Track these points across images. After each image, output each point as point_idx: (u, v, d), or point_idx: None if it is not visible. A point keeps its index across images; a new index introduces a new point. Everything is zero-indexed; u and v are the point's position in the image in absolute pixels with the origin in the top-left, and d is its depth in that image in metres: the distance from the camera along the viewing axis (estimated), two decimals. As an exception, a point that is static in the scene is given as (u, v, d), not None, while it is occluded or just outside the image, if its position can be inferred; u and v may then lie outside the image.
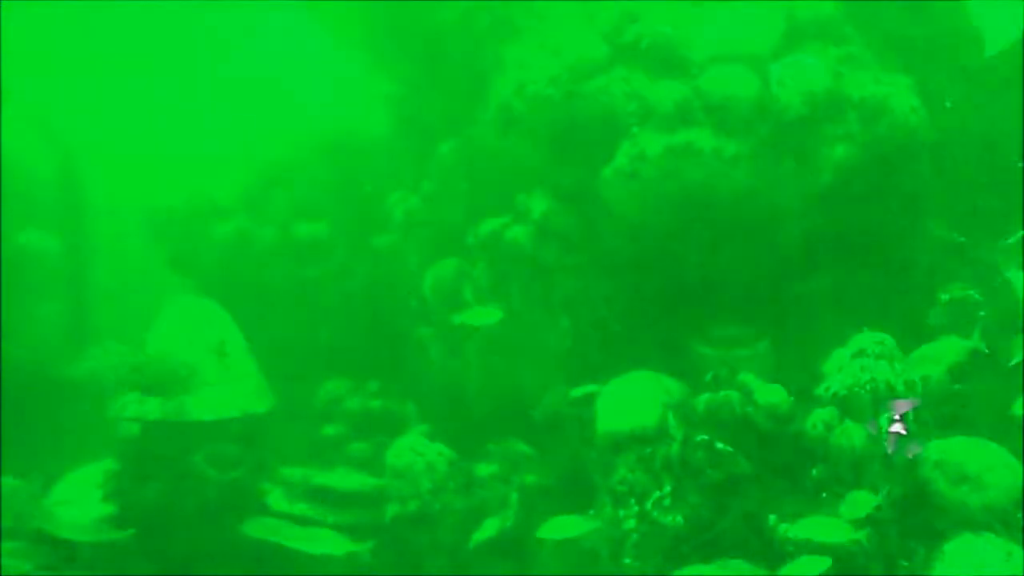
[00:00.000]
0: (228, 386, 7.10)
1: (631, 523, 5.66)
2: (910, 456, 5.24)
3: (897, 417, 5.29)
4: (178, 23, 16.63)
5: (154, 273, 9.53)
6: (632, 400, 5.92)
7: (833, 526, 4.96)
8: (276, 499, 6.95)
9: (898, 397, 5.48)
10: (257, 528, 6.39)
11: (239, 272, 8.91)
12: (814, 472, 5.41)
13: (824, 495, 5.33)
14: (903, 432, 5.23)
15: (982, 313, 6.13)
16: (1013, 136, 6.75)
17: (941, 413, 5.54)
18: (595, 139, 6.74)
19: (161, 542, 6.31)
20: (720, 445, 5.59)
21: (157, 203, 9.64)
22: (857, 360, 5.71)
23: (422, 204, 8.56)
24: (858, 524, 4.99)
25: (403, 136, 9.05)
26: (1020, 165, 6.31)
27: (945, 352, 5.23)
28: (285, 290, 8.86)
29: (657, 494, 5.66)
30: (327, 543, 6.32)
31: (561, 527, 5.72)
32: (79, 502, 6.68)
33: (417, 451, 6.83)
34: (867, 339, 5.76)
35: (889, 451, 5.26)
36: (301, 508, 6.86)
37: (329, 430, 7.70)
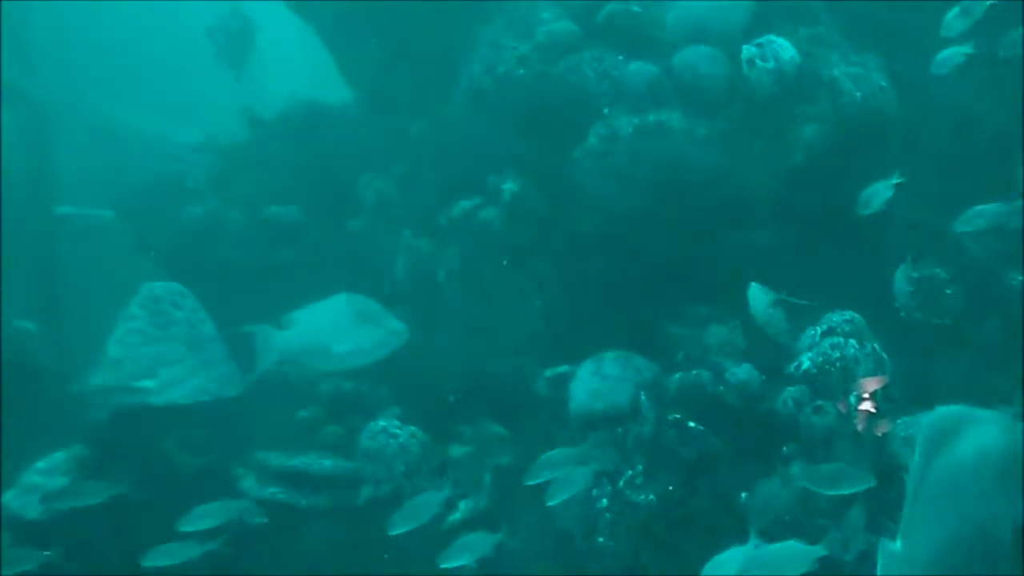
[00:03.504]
0: (199, 370, 7.05)
1: (604, 502, 5.70)
2: (879, 434, 5.30)
3: (866, 395, 5.36)
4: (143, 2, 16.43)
5: (122, 256, 9.41)
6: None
7: None
8: (249, 483, 6.91)
9: (868, 375, 5.54)
10: None
11: (209, 256, 8.82)
12: (784, 450, 5.46)
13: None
14: (873, 410, 5.29)
15: (949, 291, 6.20)
16: (980, 115, 6.81)
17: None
18: (566, 120, 6.73)
19: (132, 528, 6.24)
20: (692, 424, 5.63)
21: (125, 185, 9.54)
22: (827, 338, 5.76)
23: (393, 186, 8.50)
24: None
25: (374, 117, 8.98)
26: None
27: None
28: (256, 273, 8.77)
29: (629, 473, 5.69)
30: None
31: None
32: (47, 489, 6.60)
33: (390, 434, 6.82)
34: (837, 317, 5.81)
35: (859, 429, 5.33)
36: (274, 492, 6.82)
37: (302, 413, 7.65)
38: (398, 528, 5.40)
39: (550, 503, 5.34)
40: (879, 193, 5.67)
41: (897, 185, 5.62)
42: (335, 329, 5.57)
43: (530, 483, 5.53)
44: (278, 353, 5.55)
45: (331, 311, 5.63)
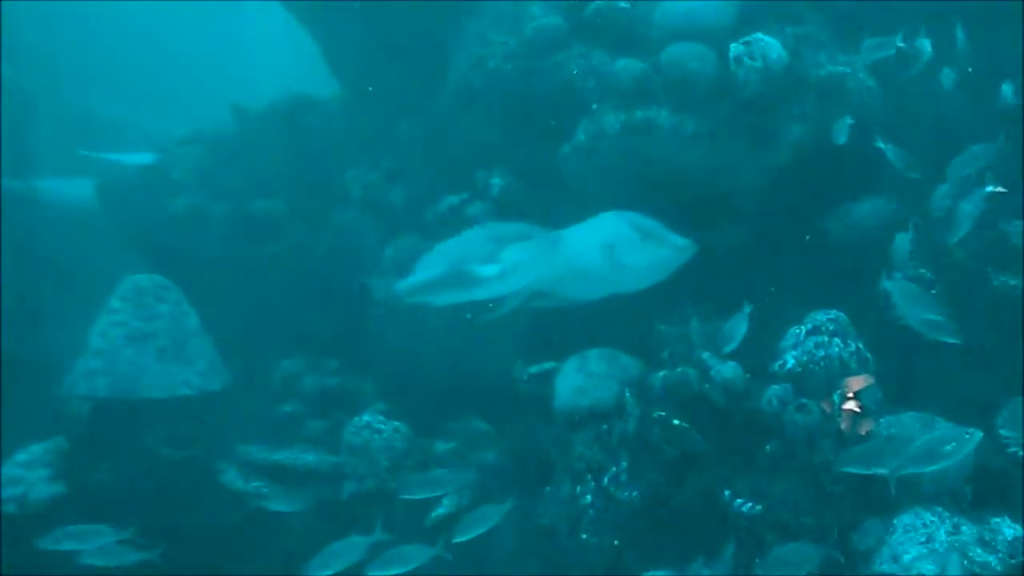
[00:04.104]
0: (182, 364, 7.00)
1: (588, 499, 5.70)
2: (863, 432, 5.32)
3: (850, 394, 5.38)
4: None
5: (106, 249, 9.34)
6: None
7: None
8: (231, 478, 6.87)
9: (852, 374, 5.56)
10: None
11: (193, 249, 8.77)
12: (768, 448, 5.47)
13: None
14: (856, 409, 5.31)
15: (934, 291, 6.22)
16: (964, 116, 6.84)
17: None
18: (554, 115, 6.72)
19: (113, 522, 6.20)
20: (677, 422, 5.64)
21: (109, 177, 9.48)
22: (812, 337, 5.77)
23: (381, 180, 8.47)
24: None
25: (362, 111, 8.95)
26: None
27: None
28: (241, 267, 8.73)
29: (614, 470, 5.69)
30: None
31: None
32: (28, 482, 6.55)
33: (374, 429, 6.80)
34: (821, 316, 5.83)
35: (842, 427, 5.35)
36: (257, 486, 6.79)
37: (286, 408, 7.63)
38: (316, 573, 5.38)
39: (456, 539, 5.37)
40: (738, 328, 5.72)
41: (751, 312, 5.67)
42: (608, 249, 4.82)
43: (404, 497, 5.56)
44: (531, 286, 4.76)
45: (598, 231, 4.90)
